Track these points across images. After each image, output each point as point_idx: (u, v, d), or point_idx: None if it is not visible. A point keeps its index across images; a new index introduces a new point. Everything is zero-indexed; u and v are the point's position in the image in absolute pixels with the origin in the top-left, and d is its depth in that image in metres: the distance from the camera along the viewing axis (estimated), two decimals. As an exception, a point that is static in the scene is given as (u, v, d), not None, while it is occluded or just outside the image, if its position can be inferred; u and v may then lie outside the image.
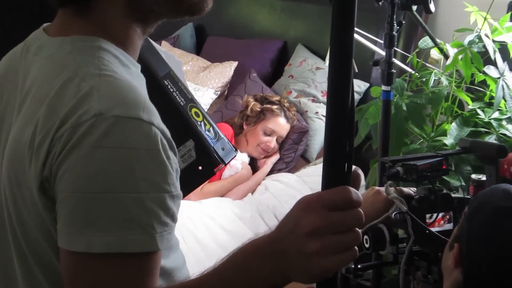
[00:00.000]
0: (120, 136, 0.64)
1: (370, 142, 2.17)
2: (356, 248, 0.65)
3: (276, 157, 2.58)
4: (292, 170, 2.68)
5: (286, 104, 2.61)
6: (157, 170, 0.65)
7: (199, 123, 0.98)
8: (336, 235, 0.63)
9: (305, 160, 2.75)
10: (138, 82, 0.74)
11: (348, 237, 0.64)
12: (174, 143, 0.70)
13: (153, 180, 0.65)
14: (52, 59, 0.72)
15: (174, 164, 0.69)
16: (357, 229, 0.65)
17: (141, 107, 0.66)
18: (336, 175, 0.64)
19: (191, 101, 1.00)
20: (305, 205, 0.66)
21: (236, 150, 1.05)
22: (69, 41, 0.72)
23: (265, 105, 2.56)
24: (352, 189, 0.64)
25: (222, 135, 1.02)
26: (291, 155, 2.64)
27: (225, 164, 1.00)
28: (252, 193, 2.44)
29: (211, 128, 1.00)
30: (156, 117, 0.67)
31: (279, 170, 2.62)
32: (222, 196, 2.39)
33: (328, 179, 0.65)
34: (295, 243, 0.64)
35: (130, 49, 0.76)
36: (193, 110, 0.99)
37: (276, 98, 2.62)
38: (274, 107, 2.55)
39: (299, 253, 0.64)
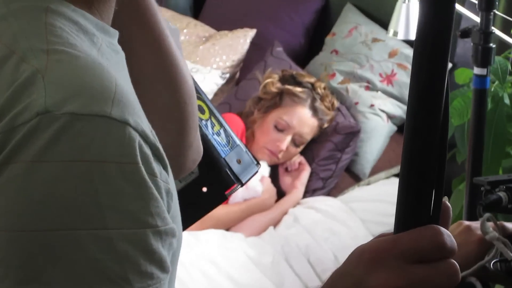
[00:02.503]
0: (76, 145, 0.64)
1: (453, 152, 2.17)
2: None
3: (306, 173, 2.56)
4: (333, 191, 2.68)
5: (321, 90, 2.60)
6: (134, 194, 0.66)
7: (204, 122, 1.01)
8: None
9: (353, 176, 2.76)
10: (111, 59, 0.75)
11: None
12: (162, 151, 0.70)
13: (127, 209, 0.65)
14: None
15: (163, 183, 0.69)
16: None
17: (110, 98, 0.66)
18: (419, 208, 0.64)
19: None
20: (372, 256, 0.66)
21: (258, 163, 1.07)
22: (1, 0, 0.72)
23: (286, 86, 2.56)
24: (444, 230, 0.64)
25: (238, 141, 1.04)
26: (331, 167, 2.64)
27: (242, 185, 1.02)
28: (275, 227, 2.46)
29: (221, 131, 1.03)
30: (133, 113, 0.68)
31: (313, 192, 2.63)
32: (229, 228, 2.39)
33: (407, 215, 0.65)
34: None
35: (99, 8, 0.76)
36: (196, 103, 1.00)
37: (310, 79, 2.64)
38: (298, 90, 2.55)
39: None
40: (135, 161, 0.66)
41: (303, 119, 2.52)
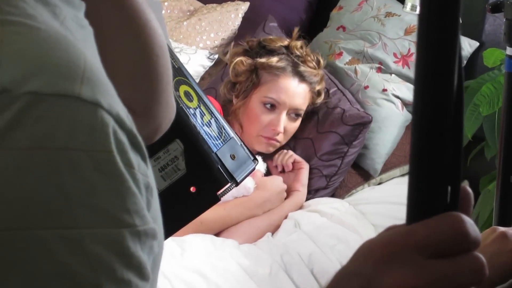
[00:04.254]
0: (39, 129, 0.64)
1: (481, 146, 2.17)
2: None
3: (305, 171, 2.57)
4: (339, 191, 2.68)
5: (299, 51, 2.58)
6: (107, 188, 0.66)
7: (191, 111, 1.02)
8: None
9: (362, 173, 2.76)
10: (77, 35, 0.75)
11: None
12: (140, 139, 0.70)
13: (100, 205, 0.66)
14: None
15: (142, 177, 0.70)
16: None
17: (78, 75, 0.66)
18: (434, 194, 0.65)
19: (179, 73, 1.03)
20: (383, 252, 0.66)
21: (255, 158, 1.08)
22: None
23: (258, 60, 2.55)
24: (465, 218, 0.65)
25: (231, 133, 1.05)
26: (335, 162, 2.63)
27: (237, 184, 1.03)
28: (273, 233, 2.46)
29: (212, 121, 1.04)
30: (105, 93, 0.68)
31: (316, 192, 2.63)
32: (218, 234, 2.39)
33: (420, 202, 0.66)
34: None
35: None
36: (182, 88, 1.03)
37: (283, 42, 2.62)
38: (274, 60, 2.53)
39: None
40: (109, 149, 0.66)
41: (292, 90, 2.50)
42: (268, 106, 2.49)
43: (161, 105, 0.93)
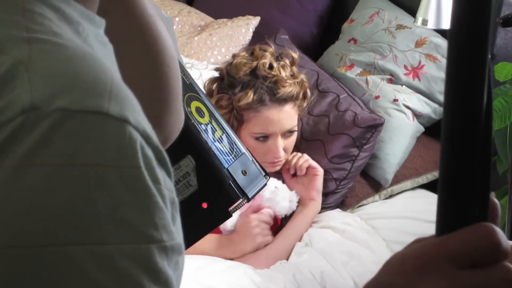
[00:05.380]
0: (69, 146, 0.65)
1: (493, 160, 2.15)
2: None
3: (319, 178, 2.48)
4: (349, 200, 2.66)
5: (268, 71, 2.38)
6: (136, 204, 0.66)
7: (203, 127, 1.02)
8: None
9: (373, 183, 2.74)
10: (98, 51, 0.75)
11: None
12: (165, 155, 0.71)
13: (128, 220, 0.66)
14: None
15: (168, 192, 0.70)
16: None
17: (106, 92, 0.67)
18: (464, 206, 0.66)
19: (190, 89, 1.04)
20: (417, 263, 0.66)
21: (266, 174, 1.08)
22: None
23: (233, 98, 2.39)
24: (496, 229, 0.65)
25: (243, 148, 1.06)
26: (345, 166, 2.60)
27: (248, 200, 1.04)
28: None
29: (223, 136, 1.04)
30: (132, 109, 0.69)
31: (325, 196, 2.58)
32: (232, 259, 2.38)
33: (451, 214, 0.67)
34: None
35: None
36: (194, 104, 1.03)
37: (249, 66, 2.40)
38: (249, 96, 2.36)
39: None
40: (137, 165, 0.66)
41: (276, 118, 2.40)
42: (261, 138, 2.43)
43: (172, 115, 0.94)
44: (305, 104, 2.49)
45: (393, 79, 2.81)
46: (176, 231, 0.70)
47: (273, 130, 2.41)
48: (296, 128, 2.47)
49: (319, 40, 3.17)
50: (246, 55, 2.45)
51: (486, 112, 0.65)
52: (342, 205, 2.67)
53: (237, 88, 2.41)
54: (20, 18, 0.70)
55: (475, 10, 0.63)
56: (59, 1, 0.74)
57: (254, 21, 3.13)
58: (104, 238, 0.65)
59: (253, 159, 1.07)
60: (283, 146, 2.44)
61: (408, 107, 2.76)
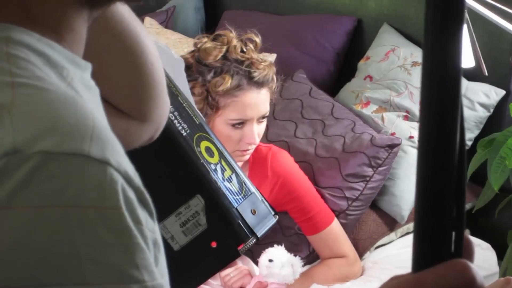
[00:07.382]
0: (50, 188, 0.65)
1: (508, 198, 2.16)
2: None
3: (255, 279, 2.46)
4: (365, 243, 2.63)
5: (240, 55, 2.33)
6: (117, 244, 0.67)
7: (213, 167, 1.03)
8: None
9: (388, 221, 2.72)
10: (83, 94, 0.76)
11: None
12: (147, 196, 0.71)
13: (110, 261, 0.66)
14: None
15: (150, 233, 0.70)
16: None
17: (87, 135, 0.68)
18: (439, 242, 0.66)
19: (200, 129, 1.05)
20: None
21: (275, 214, 1.08)
22: None
23: (208, 84, 2.30)
24: (471, 265, 0.64)
25: (252, 188, 1.06)
26: (358, 185, 2.56)
27: (258, 239, 1.04)
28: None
29: (233, 176, 1.05)
30: (114, 151, 0.69)
31: (337, 216, 2.52)
32: None
33: (426, 250, 0.66)
34: None
35: (68, 38, 0.78)
36: (204, 144, 1.04)
37: (220, 51, 2.34)
38: (227, 81, 2.28)
39: None
40: (118, 206, 0.67)
41: (254, 102, 2.31)
42: (237, 125, 2.32)
43: (160, 107, 0.98)
44: (274, 87, 2.39)
45: (409, 116, 2.82)
46: (158, 272, 0.71)
47: (251, 115, 2.31)
48: (268, 114, 2.40)
49: (336, 77, 3.18)
50: (209, 41, 2.36)
51: (460, 148, 0.65)
52: (354, 240, 2.62)
53: (209, 74, 2.32)
54: (5, 63, 0.71)
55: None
56: (44, 45, 0.75)
57: (271, 58, 3.14)
58: (85, 279, 0.65)
59: (263, 198, 1.07)
60: (256, 136, 2.35)
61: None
